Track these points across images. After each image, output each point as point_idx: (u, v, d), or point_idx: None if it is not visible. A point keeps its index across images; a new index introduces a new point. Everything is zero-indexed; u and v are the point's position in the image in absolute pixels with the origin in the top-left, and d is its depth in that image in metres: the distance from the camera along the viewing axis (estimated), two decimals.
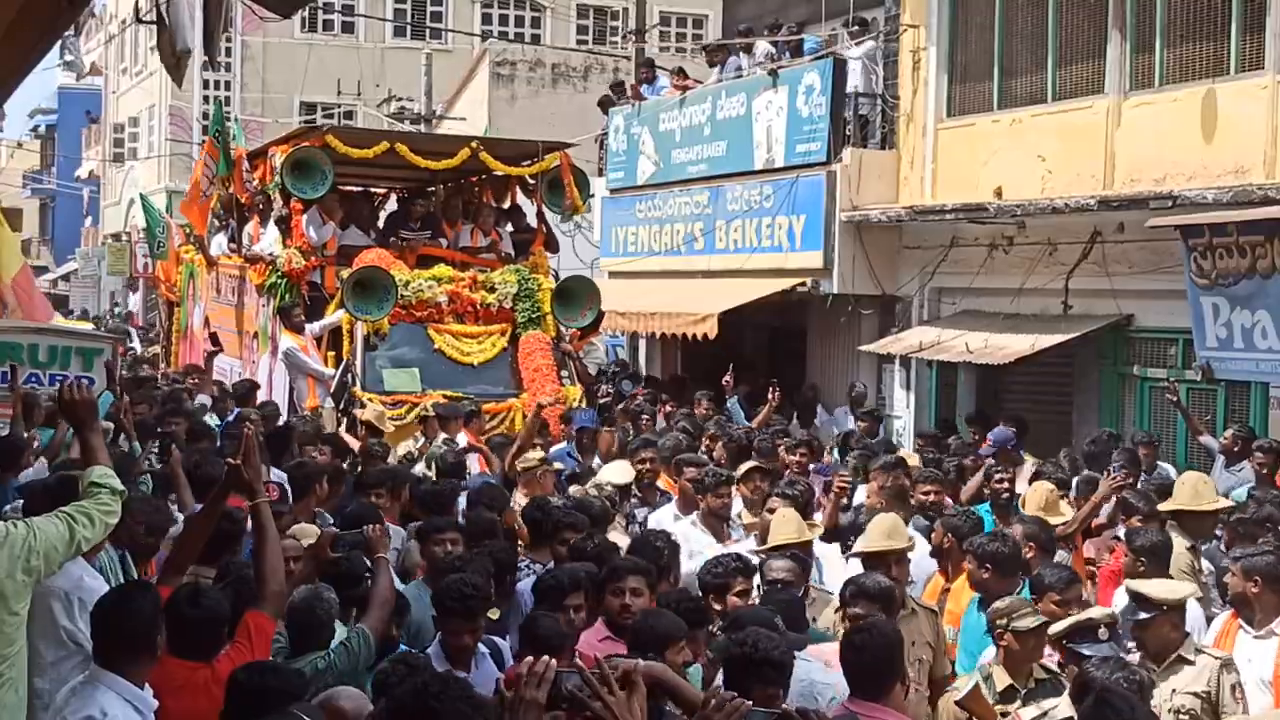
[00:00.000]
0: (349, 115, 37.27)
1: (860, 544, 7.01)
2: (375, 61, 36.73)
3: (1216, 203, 11.58)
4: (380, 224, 15.48)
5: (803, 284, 16.02)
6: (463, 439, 11.39)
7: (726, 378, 14.35)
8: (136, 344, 23.43)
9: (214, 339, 11.69)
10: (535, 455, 9.40)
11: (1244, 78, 12.13)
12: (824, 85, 15.88)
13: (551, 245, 15.18)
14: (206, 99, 37.84)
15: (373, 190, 16.69)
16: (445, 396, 12.51)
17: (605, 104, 20.53)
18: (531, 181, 14.74)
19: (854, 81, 16.02)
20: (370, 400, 12.42)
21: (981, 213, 14.19)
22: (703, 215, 17.85)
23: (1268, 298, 10.83)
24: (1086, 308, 13.72)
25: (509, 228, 15.35)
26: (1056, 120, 13.95)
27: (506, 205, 15.52)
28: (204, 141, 19.54)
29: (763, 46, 17.81)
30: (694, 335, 15.96)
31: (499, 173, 14.83)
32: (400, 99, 33.82)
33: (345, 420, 12.38)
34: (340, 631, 5.77)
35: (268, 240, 14.42)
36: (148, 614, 4.74)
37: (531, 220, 15.45)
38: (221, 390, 13.48)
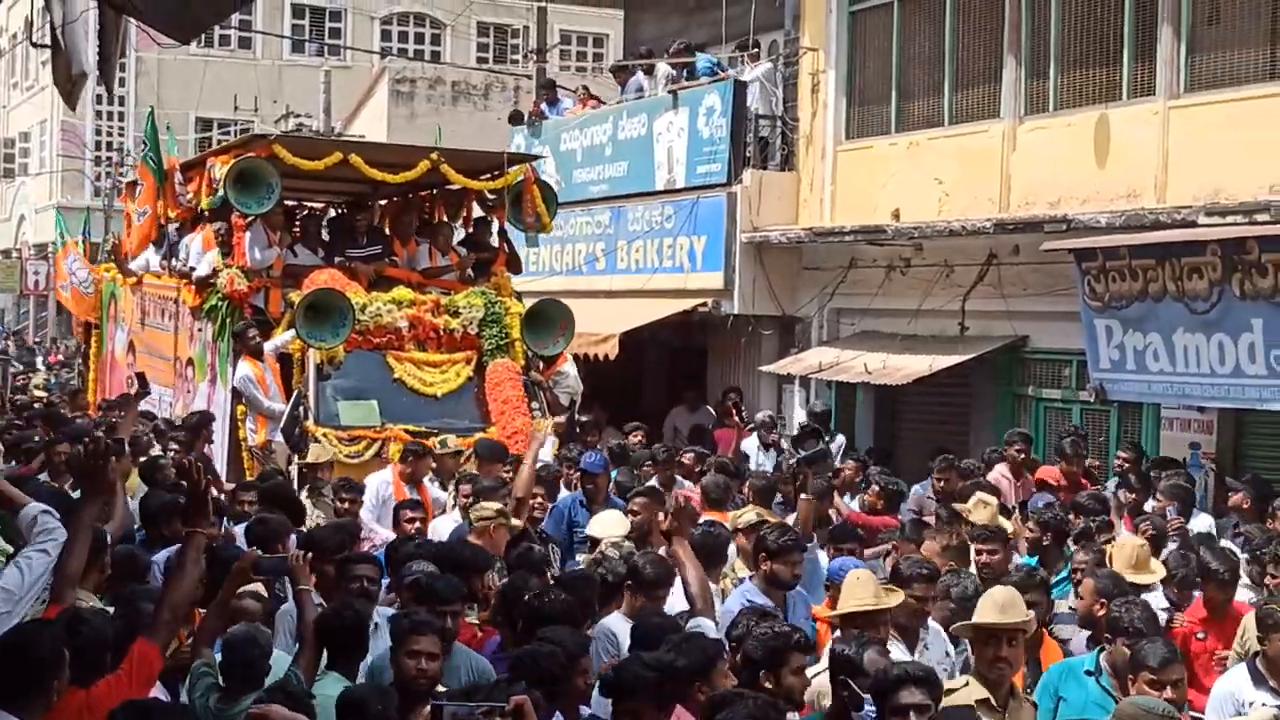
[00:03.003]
0: (244, 132, 36.65)
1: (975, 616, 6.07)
2: (273, 77, 36.29)
3: (1109, 226, 11.68)
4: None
5: (704, 304, 15.97)
6: (386, 479, 10.66)
7: (732, 398, 13.65)
8: (41, 367, 22.51)
9: (141, 380, 10.45)
10: (491, 506, 8.49)
11: (1136, 103, 12.27)
12: (724, 107, 15.86)
13: (514, 265, 14.18)
14: (99, 114, 37.11)
15: (309, 205, 15.52)
16: (407, 431, 11.74)
17: (515, 119, 20.28)
18: (492, 196, 13.81)
19: (754, 103, 16.04)
20: (325, 436, 11.61)
21: (880, 234, 14.24)
22: (604, 235, 17.77)
23: (1159, 320, 10.92)
24: (983, 329, 13.77)
25: (465, 247, 14.38)
26: (953, 143, 14.03)
27: (462, 222, 14.63)
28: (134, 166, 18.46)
29: (663, 69, 17.83)
30: (595, 355, 15.85)
31: (456, 186, 13.83)
32: (298, 115, 33.38)
33: (298, 457, 11.49)
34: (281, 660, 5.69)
35: (206, 259, 13.49)
36: (44, 655, 4.63)
37: (493, 238, 14.56)
38: (155, 427, 12.60)
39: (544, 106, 20.11)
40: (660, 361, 18.72)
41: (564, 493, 10.84)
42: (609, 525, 8.58)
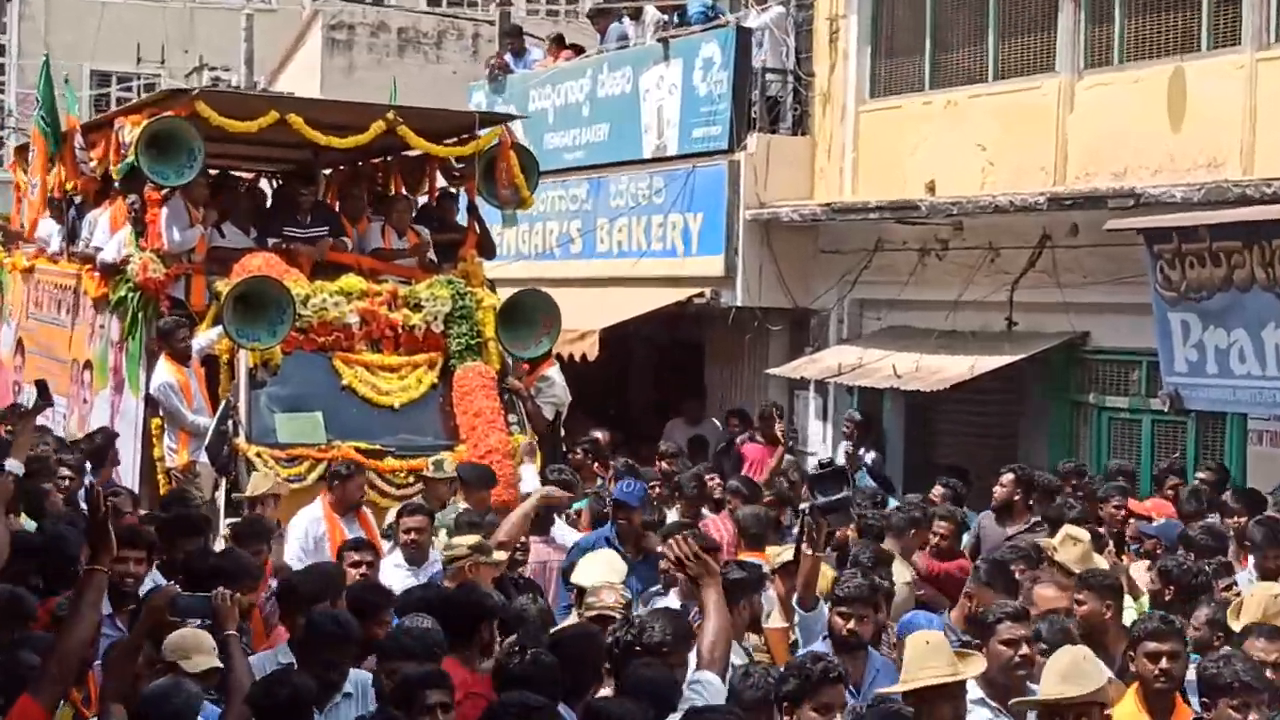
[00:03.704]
0: (150, 88, 36.50)
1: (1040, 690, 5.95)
2: (183, 23, 36.09)
3: (1186, 202, 11.65)
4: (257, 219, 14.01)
5: (700, 295, 15.99)
6: (316, 516, 10.31)
7: (846, 426, 13.47)
8: None
9: (42, 389, 10.05)
10: (465, 540, 8.26)
11: (1217, 54, 12.24)
12: (725, 59, 15.86)
13: (486, 249, 13.95)
14: None
15: (239, 175, 15.30)
16: (357, 449, 11.45)
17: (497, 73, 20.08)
18: (460, 165, 13.62)
19: (761, 54, 16.02)
20: (260, 455, 11.32)
21: (911, 211, 14.21)
22: (581, 212, 17.75)
23: (1245, 314, 10.88)
24: (1034, 324, 13.76)
25: (429, 226, 14.07)
26: (999, 102, 14.01)
27: (424, 195, 14.48)
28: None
29: (652, 12, 17.80)
30: (571, 355, 15.73)
31: (417, 151, 13.60)
32: (214, 68, 33.20)
33: (226, 482, 11.33)
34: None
35: (113, 240, 13.17)
36: None
37: (460, 216, 14.31)
38: (59, 443, 12.06)
39: (508, 58, 20.03)
40: (648, 363, 18.74)
41: (563, 528, 10.65)
42: (603, 570, 8.14)
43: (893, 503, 11.38)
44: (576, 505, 11.56)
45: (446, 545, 8.40)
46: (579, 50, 19.33)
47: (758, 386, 16.45)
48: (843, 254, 15.58)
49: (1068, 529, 8.84)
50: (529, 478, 11.35)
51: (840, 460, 14.39)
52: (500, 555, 8.37)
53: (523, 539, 9.44)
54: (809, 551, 7.62)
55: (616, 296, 16.60)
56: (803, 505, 8.74)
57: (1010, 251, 13.90)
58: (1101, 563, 8.51)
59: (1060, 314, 13.53)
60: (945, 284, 14.45)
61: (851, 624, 6.98)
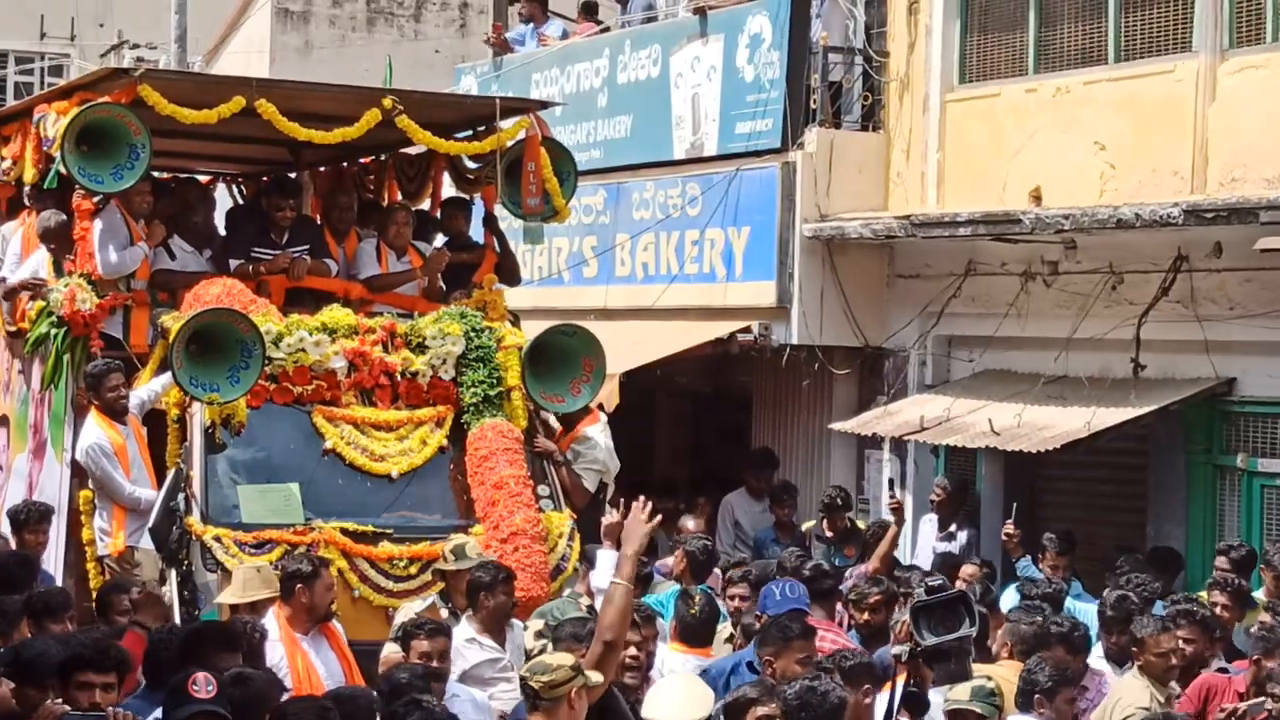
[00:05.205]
0: (56, 70, 36.72)
1: None
2: None
3: None
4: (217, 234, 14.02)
5: (745, 330, 15.93)
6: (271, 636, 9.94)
7: (1010, 528, 13.38)
8: None
9: None
10: (562, 660, 7.86)
11: None
12: (778, 34, 15.86)
13: (508, 272, 13.99)
14: None
15: (192, 177, 15.31)
16: (343, 530, 11.41)
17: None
18: (475, 165, 13.71)
19: (821, 29, 15.98)
20: (219, 540, 11.18)
21: (1011, 226, 14.16)
22: (596, 227, 17.76)
23: None
24: (1167, 368, 13.73)
25: (437, 241, 14.09)
26: (1121, 90, 13.98)
27: (427, 204, 14.49)
28: None
29: None
30: None
31: (420, 148, 13.67)
32: (137, 45, 33.29)
33: (177, 574, 11.16)
34: None
35: (29, 262, 13.19)
36: None
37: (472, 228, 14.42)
38: None
39: (513, 32, 19.88)
40: (679, 416, 18.70)
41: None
42: (682, 703, 7.96)
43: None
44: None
45: (534, 667, 7.87)
46: (598, 23, 19.35)
47: (818, 445, 16.45)
48: (925, 279, 15.57)
49: None
50: (604, 566, 10.97)
51: (928, 540, 14.41)
52: (596, 676, 7.86)
53: (634, 637, 8.98)
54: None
55: (640, 333, 16.55)
56: (894, 650, 8.54)
57: (1136, 277, 13.86)
58: None
59: (1199, 355, 13.49)
60: (1055, 317, 14.41)
61: None
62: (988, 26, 15.36)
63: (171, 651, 8.52)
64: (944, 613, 7.71)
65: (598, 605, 9.79)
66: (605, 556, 11.14)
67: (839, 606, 11.65)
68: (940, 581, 8.81)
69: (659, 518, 8.54)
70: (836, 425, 15.76)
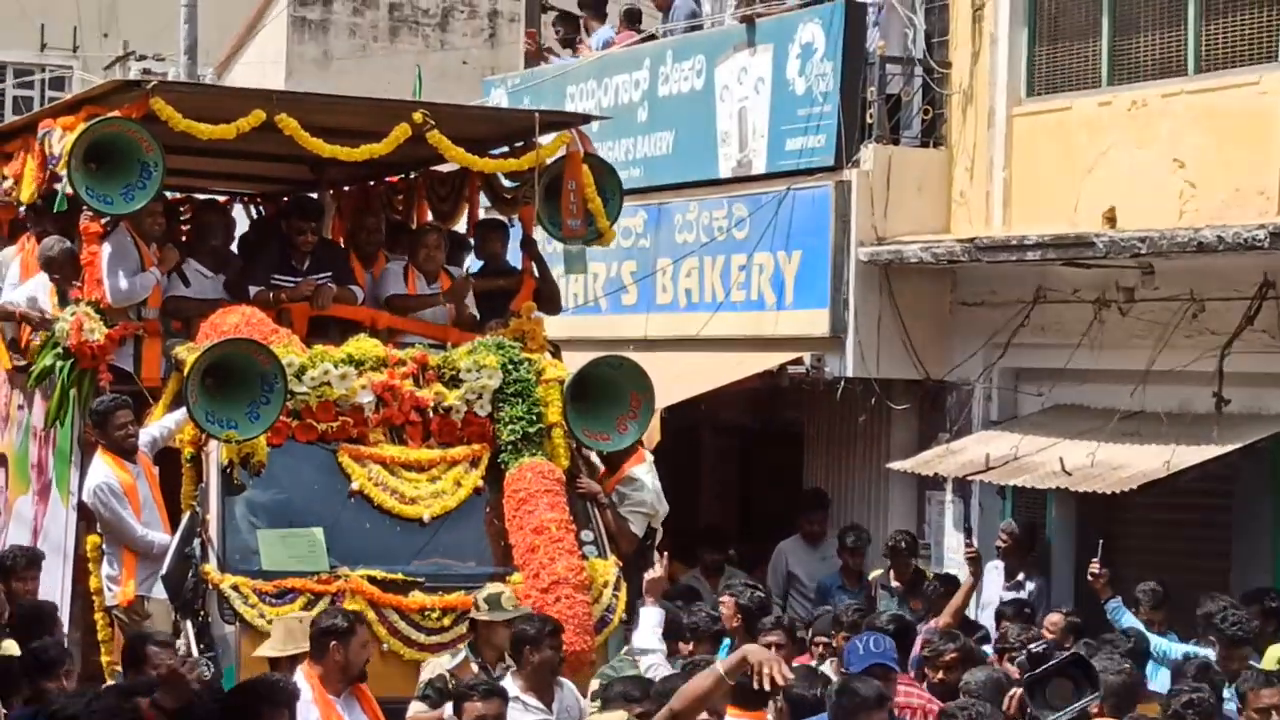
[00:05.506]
0: (58, 83, 36.87)
1: None
2: (102, 1, 36.38)
3: None
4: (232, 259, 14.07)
5: (797, 361, 15.94)
6: (305, 698, 9.79)
7: (1096, 567, 13.24)
8: None
9: None
10: (615, 717, 8.16)
11: None
12: (831, 44, 15.90)
13: (548, 300, 14.03)
14: None
15: (207, 197, 15.52)
16: (371, 579, 11.43)
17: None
18: (512, 184, 13.84)
19: (878, 39, 16.02)
20: (238, 589, 11.21)
21: (1084, 250, 14.11)
22: (636, 251, 17.79)
23: None
24: (1254, 403, 13.70)
25: (469, 266, 14.26)
26: (1202, 103, 13.99)
27: (461, 226, 14.61)
28: None
29: None
30: None
31: (453, 165, 13.72)
32: (144, 57, 33.44)
33: (193, 626, 11.19)
34: None
35: (26, 288, 13.27)
36: None
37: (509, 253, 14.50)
38: None
39: (608, 30, 19.89)
40: (726, 454, 18.68)
41: None
42: None
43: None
44: None
45: None
46: (639, 30, 19.54)
47: (876, 486, 16.45)
48: (990, 307, 15.58)
49: None
50: (647, 625, 10.97)
51: (994, 589, 14.26)
52: None
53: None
54: None
55: (683, 364, 16.56)
56: None
57: (1219, 304, 13.82)
58: None
59: None
60: (1130, 348, 14.38)
61: None
62: (1058, 35, 15.41)
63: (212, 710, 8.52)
64: (1058, 680, 7.54)
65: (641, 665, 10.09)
66: (648, 614, 11.07)
67: None
68: (1043, 648, 8.67)
69: None
70: (895, 465, 15.81)
